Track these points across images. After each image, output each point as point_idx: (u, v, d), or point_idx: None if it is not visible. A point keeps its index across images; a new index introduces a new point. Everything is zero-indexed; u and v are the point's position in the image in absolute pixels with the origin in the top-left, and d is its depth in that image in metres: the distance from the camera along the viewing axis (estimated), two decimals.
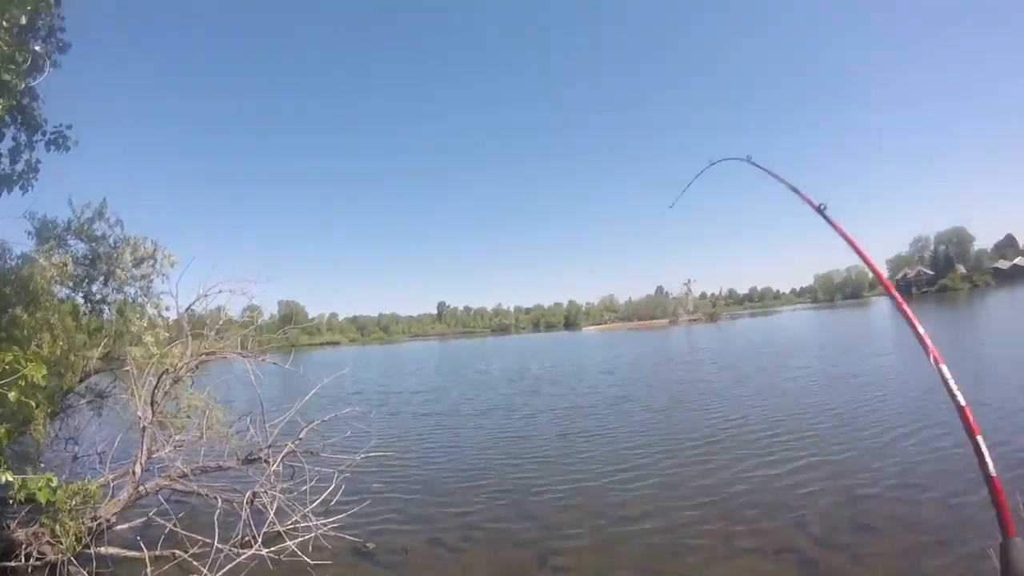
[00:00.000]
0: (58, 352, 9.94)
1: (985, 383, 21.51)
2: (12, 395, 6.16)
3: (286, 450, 12.01)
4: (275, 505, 10.97)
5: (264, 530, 10.27)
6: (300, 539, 10.52)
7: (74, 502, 9.21)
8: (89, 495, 9.57)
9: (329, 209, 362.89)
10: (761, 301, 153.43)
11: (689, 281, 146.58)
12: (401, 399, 34.42)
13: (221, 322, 13.85)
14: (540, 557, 10.85)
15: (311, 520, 11.09)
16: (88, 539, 9.60)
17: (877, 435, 16.20)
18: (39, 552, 9.14)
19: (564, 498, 13.98)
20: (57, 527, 9.05)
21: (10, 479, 7.09)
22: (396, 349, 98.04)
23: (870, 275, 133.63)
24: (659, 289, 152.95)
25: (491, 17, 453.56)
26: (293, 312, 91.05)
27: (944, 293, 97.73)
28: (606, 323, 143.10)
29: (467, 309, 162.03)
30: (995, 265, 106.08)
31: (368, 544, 11.25)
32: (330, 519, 11.26)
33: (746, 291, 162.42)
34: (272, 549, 10.06)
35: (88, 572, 9.14)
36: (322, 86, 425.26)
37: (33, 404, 7.25)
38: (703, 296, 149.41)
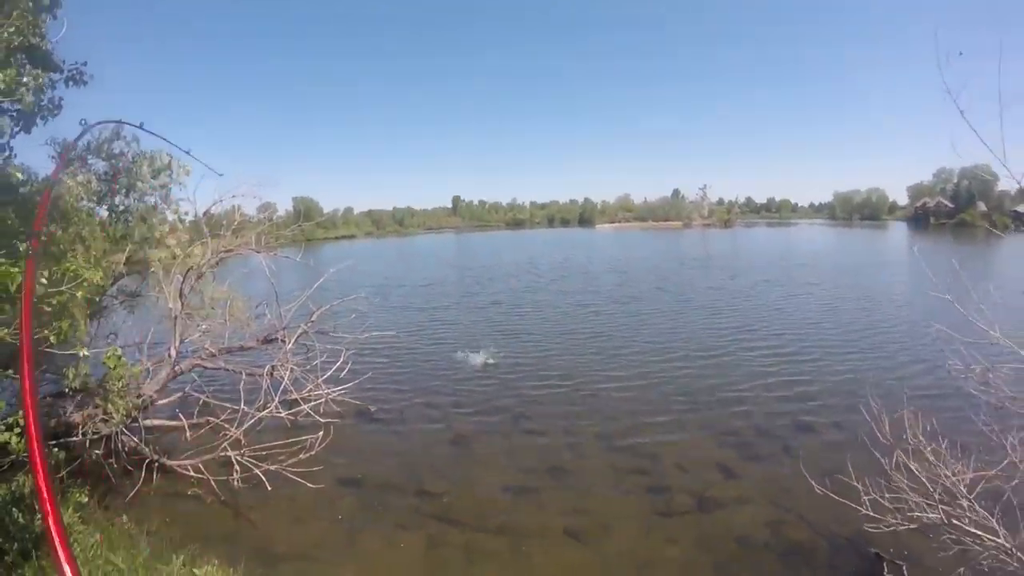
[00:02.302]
0: (91, 261, 11.21)
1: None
2: (80, 294, 7.61)
3: (300, 331, 13.77)
4: (291, 376, 12.82)
5: (282, 397, 12.10)
6: (313, 403, 12.50)
7: (122, 383, 10.81)
8: (134, 376, 11.31)
9: (345, 106, 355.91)
10: (779, 212, 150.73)
11: (705, 186, 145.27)
12: (408, 289, 36.19)
13: (237, 221, 15.25)
14: (514, 420, 13.15)
15: (322, 388, 13.03)
16: (135, 414, 11.23)
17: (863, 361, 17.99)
18: (94, 429, 10.60)
19: (549, 379, 16.19)
20: (108, 406, 10.58)
21: (85, 353, 8.72)
22: (411, 242, 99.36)
23: (890, 199, 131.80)
24: (675, 192, 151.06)
25: None
26: (307, 208, 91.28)
27: (961, 228, 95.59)
28: (620, 222, 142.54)
29: (482, 203, 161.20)
30: (1016, 208, 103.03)
31: (371, 407, 13.45)
32: (339, 387, 13.24)
33: (764, 201, 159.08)
34: (289, 412, 12.05)
35: (137, 440, 10.97)
36: None
37: (97, 300, 8.76)
38: (720, 202, 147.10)
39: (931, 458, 6.87)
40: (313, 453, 10.70)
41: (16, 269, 5.47)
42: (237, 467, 10.35)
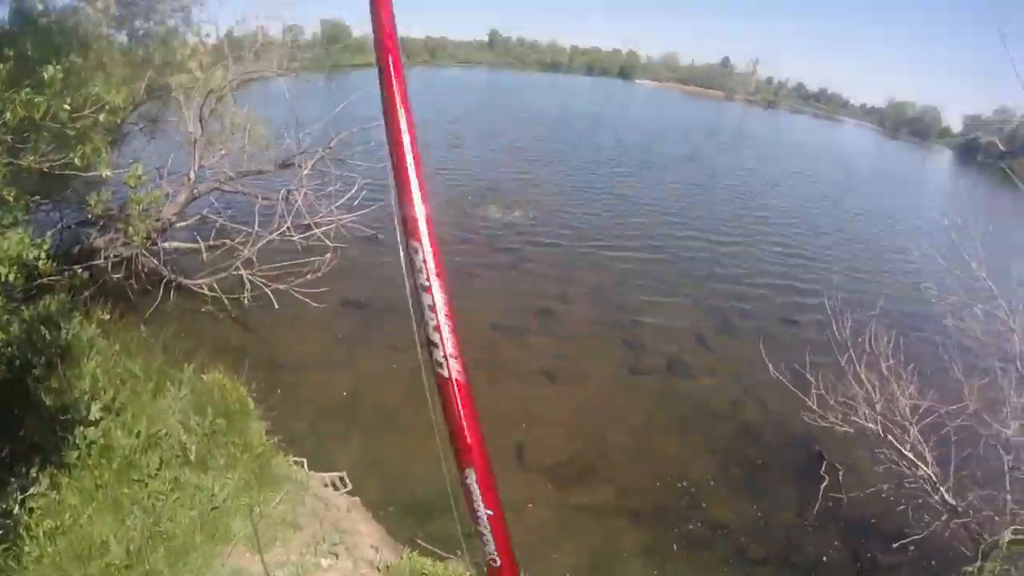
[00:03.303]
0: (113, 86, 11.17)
1: None
2: (102, 117, 7.77)
3: (317, 156, 13.80)
4: (305, 201, 13.23)
5: (294, 221, 12.61)
6: (324, 228, 13.08)
7: (142, 207, 11.09)
8: (154, 200, 11.59)
9: None
10: (828, 105, 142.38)
11: (757, 60, 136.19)
12: (427, 125, 35.51)
13: (260, 44, 14.91)
14: (515, 263, 13.89)
15: (335, 214, 13.54)
16: (155, 236, 11.80)
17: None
18: (115, 253, 11.17)
19: (559, 231, 16.80)
20: (129, 228, 11.00)
21: (108, 173, 9.08)
22: (439, 73, 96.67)
23: (944, 122, 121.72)
24: (725, 60, 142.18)
25: None
26: (336, 31, 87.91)
27: (1008, 174, 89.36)
28: (663, 81, 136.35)
29: (520, 40, 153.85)
30: None
31: (380, 235, 14.03)
32: (351, 214, 13.76)
33: (815, 91, 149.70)
34: (302, 236, 12.67)
35: (156, 261, 11.56)
36: None
37: (118, 125, 9.02)
38: (769, 81, 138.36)
39: (884, 372, 7.12)
40: (320, 275, 11.46)
41: (40, 98, 5.83)
42: (248, 286, 11.17)
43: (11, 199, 5.90)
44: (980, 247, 6.69)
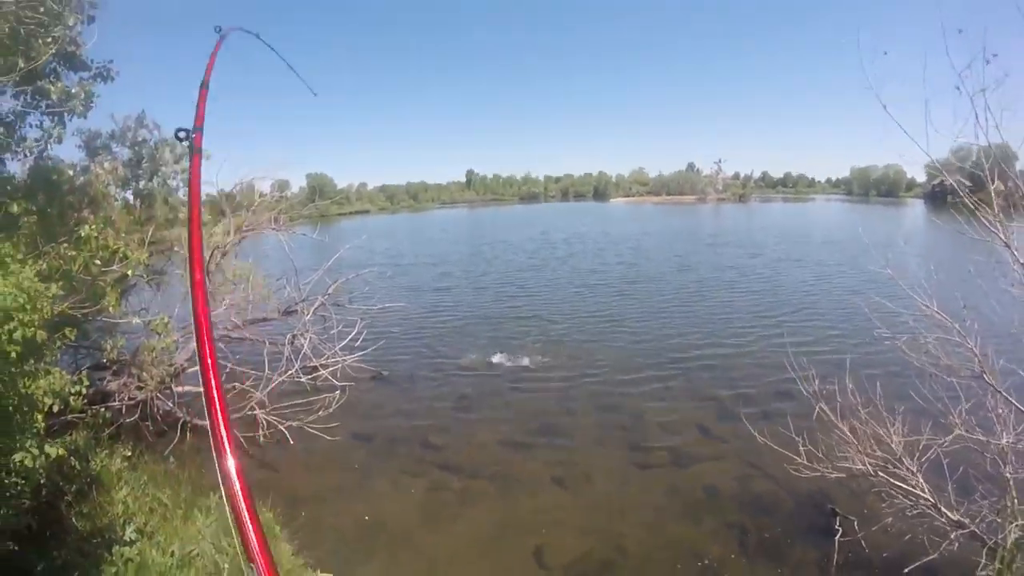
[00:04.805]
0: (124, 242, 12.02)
1: None
2: (129, 271, 8.61)
3: (318, 302, 14.89)
4: (310, 344, 14.02)
5: (301, 364, 13.36)
6: (331, 369, 13.76)
7: (155, 354, 12.09)
8: (166, 348, 12.41)
9: (358, 81, 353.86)
10: (795, 188, 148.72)
11: (720, 160, 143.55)
12: (420, 268, 37.24)
13: (257, 202, 16.22)
14: (513, 384, 14.44)
15: (339, 355, 14.24)
16: (168, 380, 12.50)
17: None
18: (130, 396, 11.92)
19: (549, 352, 17.50)
20: (143, 373, 11.94)
21: (137, 320, 9.79)
22: (425, 217, 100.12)
23: (908, 175, 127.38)
24: (690, 166, 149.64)
25: None
26: (321, 184, 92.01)
27: (979, 208, 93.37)
28: (635, 196, 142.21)
29: (496, 177, 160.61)
30: None
31: (384, 372, 14.77)
32: (354, 354, 14.44)
33: (780, 176, 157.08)
34: (309, 377, 13.37)
35: (171, 404, 12.20)
36: None
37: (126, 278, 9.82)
38: (736, 176, 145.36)
39: (864, 417, 7.66)
40: (331, 411, 12.01)
41: (77, 252, 6.54)
42: (264, 424, 11.66)
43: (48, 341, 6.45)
44: (926, 285, 7.20)
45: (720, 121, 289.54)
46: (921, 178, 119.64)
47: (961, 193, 6.66)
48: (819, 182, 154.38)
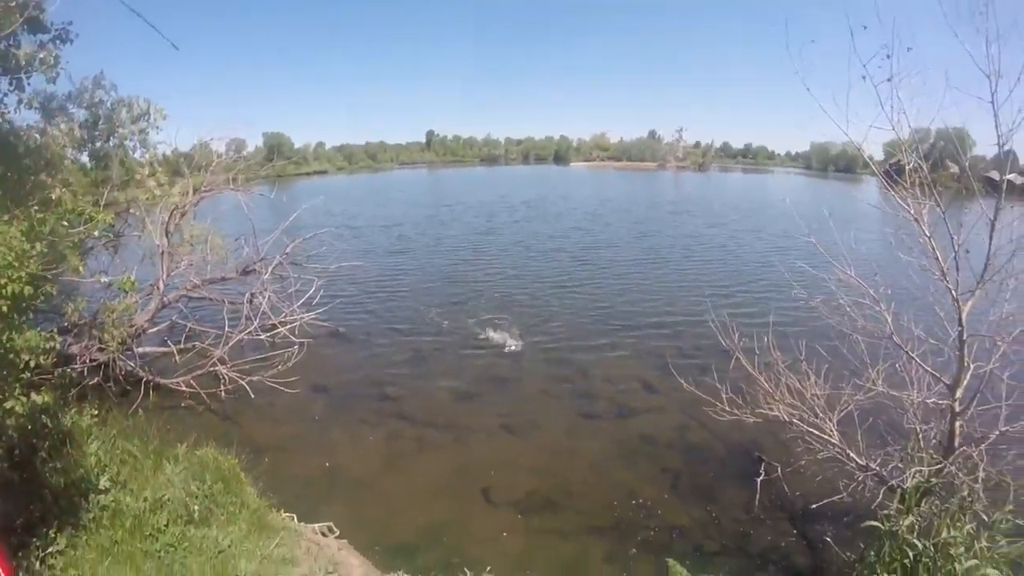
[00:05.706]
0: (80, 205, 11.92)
1: None
2: (97, 233, 8.89)
3: (275, 262, 15.25)
4: (269, 303, 14.43)
5: (260, 322, 13.80)
6: (289, 326, 14.23)
7: (115, 315, 12.15)
8: (126, 308, 12.56)
9: (316, 37, 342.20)
10: (755, 159, 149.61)
11: (681, 129, 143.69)
12: (374, 229, 37.19)
13: (215, 162, 16.18)
14: (465, 339, 15.12)
15: (297, 313, 14.71)
16: (129, 342, 12.67)
17: None
18: (91, 358, 12.07)
19: (504, 309, 18.47)
20: (105, 335, 11.98)
21: (105, 279, 10.03)
22: (384, 177, 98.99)
23: (866, 153, 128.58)
24: (652, 133, 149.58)
25: None
26: (278, 143, 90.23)
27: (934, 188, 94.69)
28: (596, 160, 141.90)
29: (456, 138, 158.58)
30: (988, 175, 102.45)
31: (340, 328, 15.30)
32: (312, 312, 14.93)
33: (741, 147, 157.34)
34: (269, 334, 13.83)
35: (132, 364, 12.50)
36: None
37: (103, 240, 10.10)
38: (697, 145, 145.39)
39: (782, 369, 8.41)
40: (290, 366, 12.48)
41: (48, 214, 6.80)
42: (224, 380, 12.11)
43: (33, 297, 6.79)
44: (846, 254, 8.04)
45: (684, 91, 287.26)
46: (879, 156, 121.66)
47: (880, 171, 7.34)
48: (779, 155, 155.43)
